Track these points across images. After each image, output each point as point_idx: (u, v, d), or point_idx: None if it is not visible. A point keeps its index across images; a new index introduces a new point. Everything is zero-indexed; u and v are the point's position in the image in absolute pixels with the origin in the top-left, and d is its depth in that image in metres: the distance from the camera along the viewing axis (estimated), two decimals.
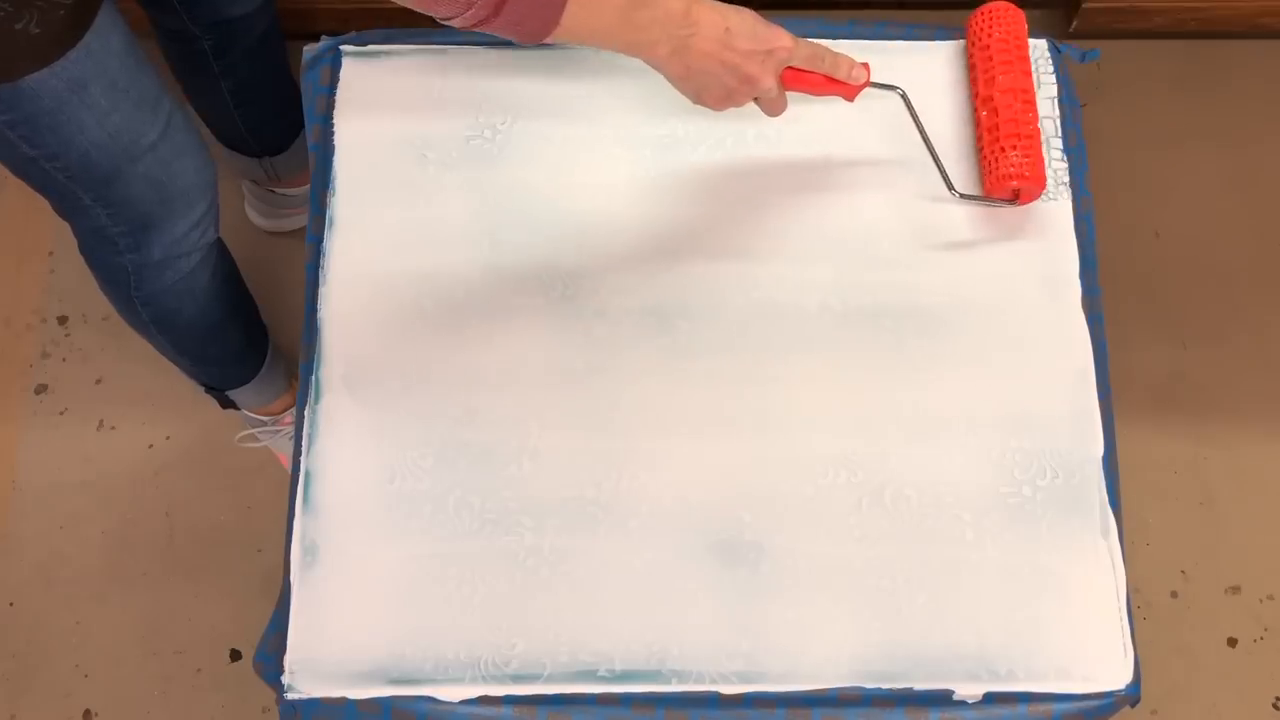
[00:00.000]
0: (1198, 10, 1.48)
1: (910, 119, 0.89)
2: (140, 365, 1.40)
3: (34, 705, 1.32)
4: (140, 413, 1.43)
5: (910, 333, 0.90)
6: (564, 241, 0.93)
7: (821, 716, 0.81)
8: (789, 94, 0.86)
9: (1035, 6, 1.56)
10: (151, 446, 1.42)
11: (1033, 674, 0.82)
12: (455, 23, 0.71)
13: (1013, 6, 0.95)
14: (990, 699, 0.81)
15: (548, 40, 0.73)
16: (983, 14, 0.96)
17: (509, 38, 0.73)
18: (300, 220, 1.49)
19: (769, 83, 0.82)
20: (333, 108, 0.98)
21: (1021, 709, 0.81)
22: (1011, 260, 0.92)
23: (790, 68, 0.83)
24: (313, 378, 0.90)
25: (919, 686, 0.81)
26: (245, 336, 1.28)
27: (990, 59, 0.94)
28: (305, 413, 0.89)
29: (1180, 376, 1.43)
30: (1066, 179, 0.95)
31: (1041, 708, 0.81)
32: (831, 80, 0.85)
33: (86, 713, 1.32)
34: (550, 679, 0.82)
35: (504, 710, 0.82)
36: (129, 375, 1.44)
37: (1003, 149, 0.90)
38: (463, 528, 0.86)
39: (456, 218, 0.94)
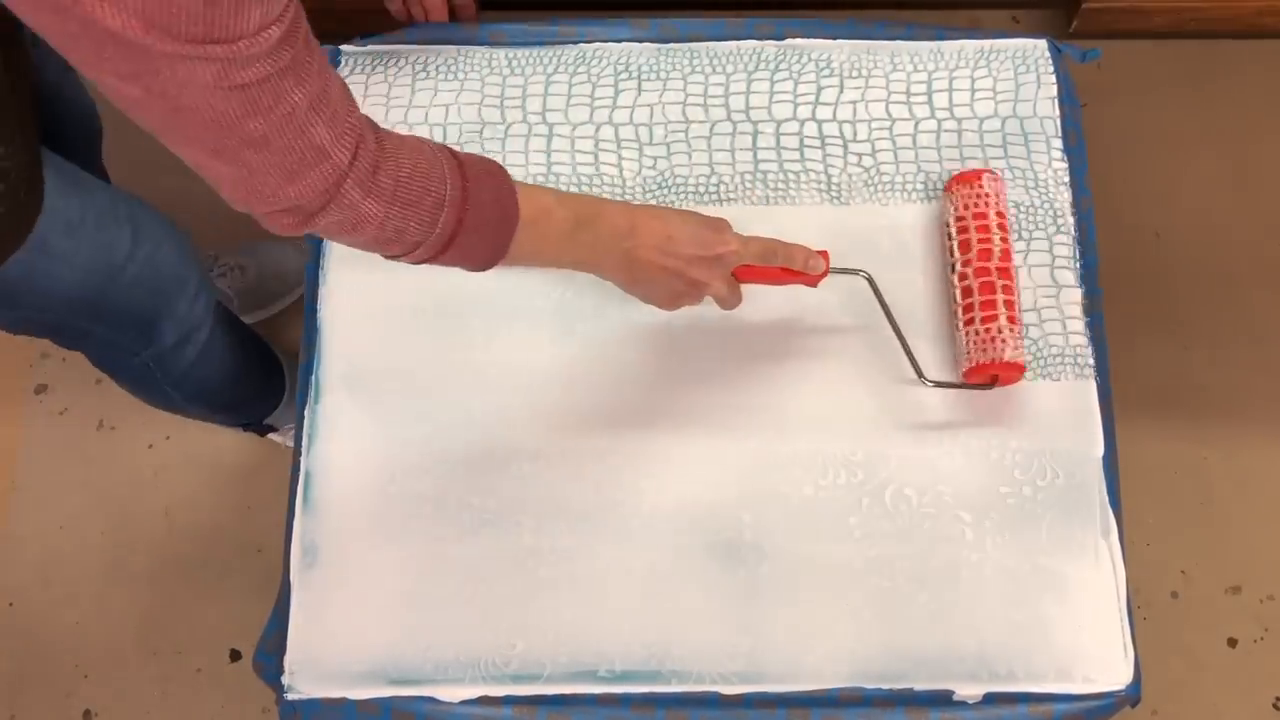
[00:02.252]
0: (1198, 10, 1.48)
1: (877, 302, 0.85)
2: None
3: (34, 705, 1.32)
4: (140, 413, 1.43)
5: (910, 332, 0.90)
6: None
7: (822, 717, 0.81)
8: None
9: (1035, 6, 1.56)
10: (151, 446, 1.42)
11: (1033, 674, 0.81)
12: (405, 260, 0.70)
13: (992, 173, 0.90)
14: (990, 699, 0.81)
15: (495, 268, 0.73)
16: (961, 180, 0.90)
17: (456, 266, 0.72)
18: None
19: (717, 286, 0.81)
20: None
21: (1022, 709, 0.81)
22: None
23: (743, 265, 0.81)
24: (313, 378, 0.90)
25: (919, 687, 0.81)
26: (265, 368, 1.28)
27: (968, 228, 0.88)
28: (305, 413, 0.89)
29: (1181, 377, 1.43)
30: (1067, 179, 0.95)
31: (1042, 708, 0.81)
32: (790, 271, 0.82)
33: (86, 713, 1.32)
34: (550, 679, 0.82)
35: (504, 710, 0.82)
36: None
37: (982, 332, 0.85)
38: (463, 528, 0.86)
39: None
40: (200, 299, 1.05)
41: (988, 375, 0.86)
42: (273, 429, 1.36)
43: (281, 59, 0.55)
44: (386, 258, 0.71)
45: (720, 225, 0.79)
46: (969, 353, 0.86)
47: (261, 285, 1.43)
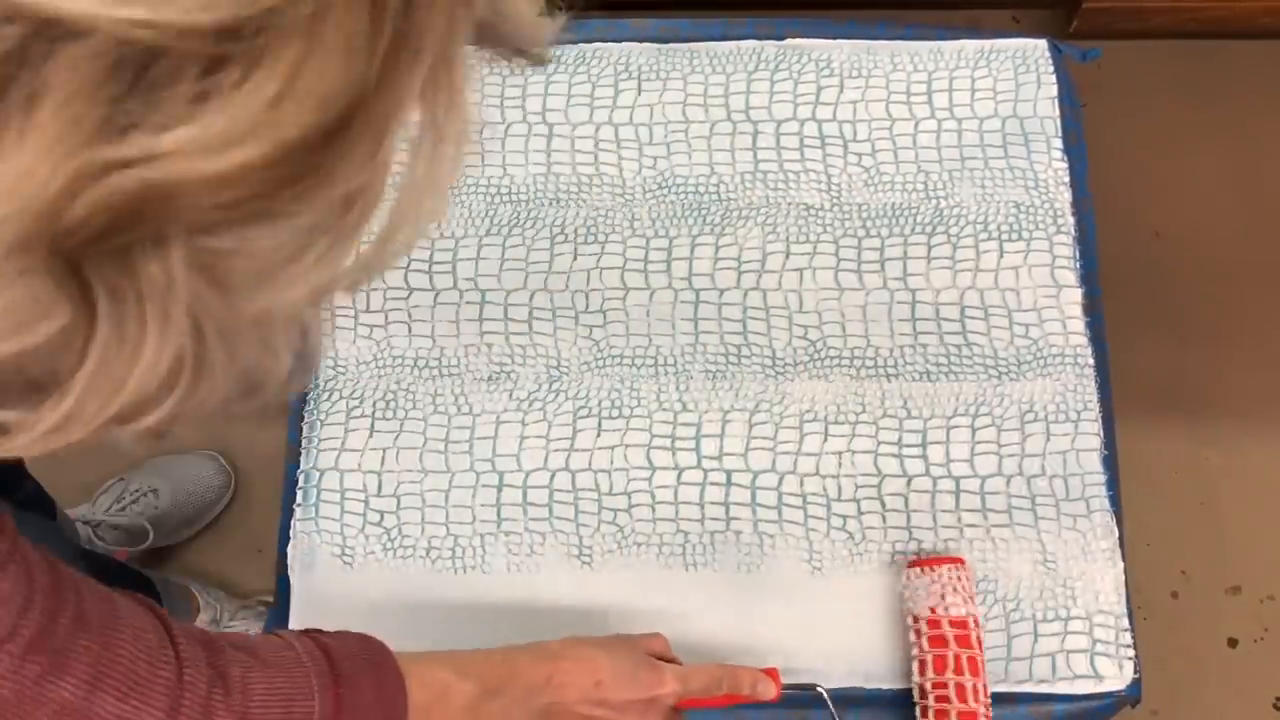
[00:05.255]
0: (1198, 10, 1.48)
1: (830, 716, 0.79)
2: None
3: None
4: None
5: (910, 333, 0.90)
6: (565, 241, 0.93)
7: (821, 717, 0.81)
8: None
9: (1035, 6, 1.56)
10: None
11: (1033, 674, 0.81)
12: None
13: (960, 561, 0.81)
14: (990, 699, 0.81)
15: None
16: (926, 566, 0.81)
17: None
18: None
19: None
20: None
21: (1021, 709, 0.81)
22: (1012, 261, 0.92)
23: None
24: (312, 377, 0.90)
25: None
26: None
27: (941, 633, 0.79)
28: (305, 412, 0.89)
29: (1180, 376, 1.43)
30: (1067, 179, 0.95)
31: (1042, 708, 0.81)
32: (736, 696, 0.75)
33: None
34: None
35: None
36: None
37: None
38: (463, 528, 0.86)
39: (456, 217, 0.94)
40: None
41: None
42: None
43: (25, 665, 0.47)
44: None
45: (655, 662, 0.71)
46: None
47: (177, 508, 1.30)
